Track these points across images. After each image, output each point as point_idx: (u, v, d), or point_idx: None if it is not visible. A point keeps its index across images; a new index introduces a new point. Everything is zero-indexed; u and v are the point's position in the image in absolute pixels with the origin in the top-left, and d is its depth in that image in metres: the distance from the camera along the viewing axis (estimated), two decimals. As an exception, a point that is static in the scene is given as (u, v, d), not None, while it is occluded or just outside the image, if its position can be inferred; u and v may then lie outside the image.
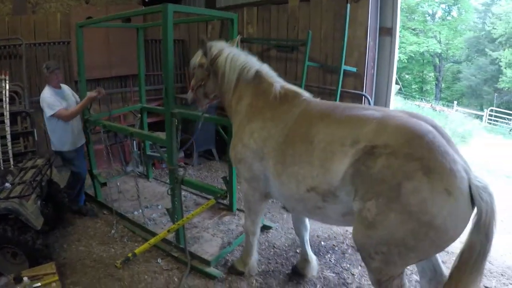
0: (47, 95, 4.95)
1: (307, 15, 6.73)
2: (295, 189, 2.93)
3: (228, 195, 5.00)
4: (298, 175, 2.88)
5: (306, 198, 2.88)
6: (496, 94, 29.91)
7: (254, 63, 3.62)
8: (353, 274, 4.22)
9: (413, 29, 32.63)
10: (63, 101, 5.11)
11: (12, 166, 5.43)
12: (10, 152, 5.84)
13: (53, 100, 4.93)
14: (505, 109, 25.27)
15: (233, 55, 3.59)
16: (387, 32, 6.12)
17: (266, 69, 3.64)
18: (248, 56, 3.66)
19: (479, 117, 25.25)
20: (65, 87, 5.40)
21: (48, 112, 4.93)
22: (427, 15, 34.35)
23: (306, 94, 3.38)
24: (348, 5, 5.84)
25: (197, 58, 3.81)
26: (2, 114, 5.99)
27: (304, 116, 3.06)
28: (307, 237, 4.06)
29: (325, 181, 2.68)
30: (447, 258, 4.47)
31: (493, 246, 2.43)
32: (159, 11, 3.82)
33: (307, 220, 4.00)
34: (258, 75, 3.55)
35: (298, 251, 4.65)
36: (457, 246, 4.50)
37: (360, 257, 2.85)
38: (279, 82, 3.52)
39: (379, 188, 2.38)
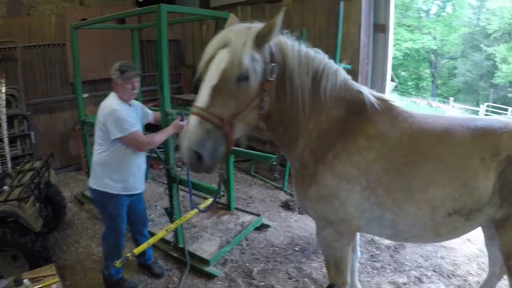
0: (118, 107, 3.46)
1: (301, 13, 6.75)
2: (429, 216, 2.48)
3: (225, 194, 5.02)
4: (434, 200, 2.43)
5: (445, 222, 2.51)
6: (492, 89, 29.94)
7: (331, 61, 2.57)
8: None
9: (408, 26, 32.61)
10: (137, 122, 3.68)
11: (10, 169, 5.43)
12: (8, 155, 5.83)
13: (127, 116, 3.46)
14: (501, 104, 25.31)
15: (303, 49, 2.44)
16: (381, 29, 6.15)
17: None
18: (313, 49, 2.53)
19: (476, 113, 25.26)
20: (136, 103, 3.89)
21: (115, 133, 3.39)
22: (421, 12, 34.36)
23: (396, 102, 2.76)
24: (342, 2, 5.85)
25: (248, 50, 2.09)
26: (-1, 118, 5.97)
27: (419, 133, 2.53)
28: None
29: (472, 201, 2.43)
30: (445, 254, 4.53)
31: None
32: (153, 12, 3.82)
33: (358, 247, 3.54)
34: (345, 79, 2.60)
35: (296, 249, 4.68)
36: (455, 241, 4.60)
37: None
38: (362, 87, 2.66)
39: None
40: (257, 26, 2.19)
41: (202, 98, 2.08)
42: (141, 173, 3.83)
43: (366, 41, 6.06)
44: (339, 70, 2.54)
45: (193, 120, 2.06)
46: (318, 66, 2.44)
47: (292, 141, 2.59)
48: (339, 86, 2.52)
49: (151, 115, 4.07)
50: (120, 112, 3.40)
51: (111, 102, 3.50)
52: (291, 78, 2.36)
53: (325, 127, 2.53)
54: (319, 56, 2.48)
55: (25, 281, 2.95)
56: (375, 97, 2.58)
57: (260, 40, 2.13)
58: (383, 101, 2.60)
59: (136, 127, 3.52)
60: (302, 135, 2.56)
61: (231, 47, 2.07)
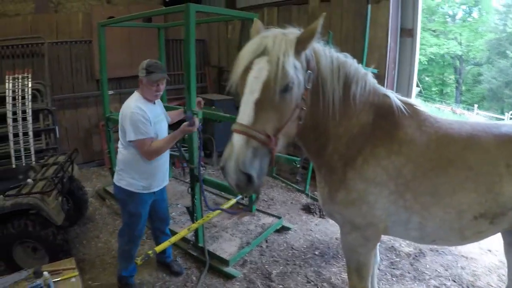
0: (137, 109, 3.38)
1: (328, 15, 6.65)
2: (456, 220, 2.50)
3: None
4: (461, 204, 2.44)
5: (471, 226, 2.53)
6: (517, 97, 29.33)
7: (360, 66, 2.55)
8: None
9: (433, 31, 32.17)
10: (156, 124, 3.56)
11: (34, 163, 5.52)
12: (32, 148, 5.91)
13: (144, 121, 3.38)
14: (526, 113, 24.78)
15: (334, 54, 2.38)
16: (408, 33, 6.06)
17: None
18: (342, 53, 2.47)
19: (500, 121, 24.81)
20: (159, 103, 3.82)
21: (129, 135, 3.38)
22: (447, 17, 33.84)
23: (422, 106, 2.73)
24: (369, 5, 5.78)
25: (290, 59, 1.99)
26: (25, 111, 6.06)
27: (445, 138, 2.53)
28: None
29: (497, 205, 2.46)
30: (465, 264, 4.44)
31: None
32: (181, 11, 3.83)
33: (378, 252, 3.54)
34: (373, 83, 2.58)
35: (316, 253, 4.63)
36: (476, 251, 4.50)
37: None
38: (388, 91, 2.65)
39: None
40: (292, 31, 2.12)
41: (245, 114, 1.96)
42: (163, 171, 3.79)
43: (393, 45, 5.97)
44: (367, 75, 2.53)
45: (238, 139, 1.92)
46: (349, 71, 2.40)
47: (321, 148, 2.56)
48: (368, 91, 2.51)
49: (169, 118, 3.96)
50: (137, 116, 3.34)
51: (131, 103, 3.45)
52: (323, 85, 2.31)
53: (355, 132, 2.51)
54: (349, 61, 2.44)
55: (45, 273, 2.97)
56: (401, 101, 2.58)
57: (300, 46, 2.05)
58: (409, 106, 2.60)
59: (150, 134, 3.41)
60: (331, 141, 2.53)
61: (271, 56, 1.96)
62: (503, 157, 2.42)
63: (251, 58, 2.01)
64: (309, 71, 2.14)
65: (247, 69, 2.00)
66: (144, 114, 3.38)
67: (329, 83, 2.31)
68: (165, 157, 3.76)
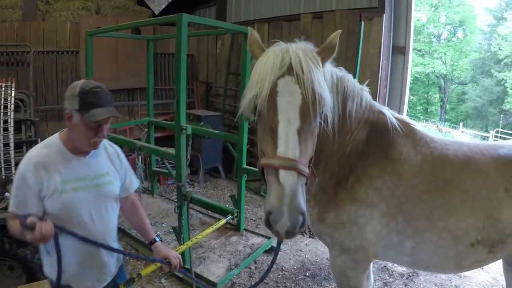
0: (28, 167, 2.06)
1: (320, 32, 6.65)
2: (452, 246, 2.38)
3: (237, 215, 4.86)
4: (456, 230, 2.33)
5: (468, 253, 2.41)
6: (501, 115, 29.82)
7: (355, 81, 2.43)
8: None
9: (419, 50, 32.70)
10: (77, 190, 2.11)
11: (13, 175, 5.30)
12: (13, 160, 5.70)
13: (22, 189, 2.05)
14: (510, 131, 25.17)
15: (332, 68, 2.26)
16: (400, 51, 6.07)
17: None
18: (338, 68, 2.35)
19: (485, 139, 25.14)
20: (101, 152, 2.27)
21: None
22: (432, 36, 34.47)
23: (416, 124, 2.63)
24: (362, 22, 5.76)
25: (320, 87, 1.83)
26: (7, 122, 5.87)
27: (441, 159, 2.43)
28: None
29: (496, 232, 2.35)
30: (459, 283, 4.39)
31: None
32: (173, 21, 3.72)
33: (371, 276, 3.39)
34: (368, 99, 2.47)
35: (307, 274, 4.49)
36: (471, 270, 4.44)
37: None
38: (383, 107, 2.55)
39: None
40: (308, 47, 1.95)
41: (290, 146, 1.73)
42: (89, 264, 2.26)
43: (385, 63, 5.96)
44: (363, 90, 2.44)
45: (289, 177, 1.68)
46: (346, 86, 2.30)
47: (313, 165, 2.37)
48: (364, 107, 2.42)
49: (134, 184, 2.52)
50: (18, 180, 2.07)
51: (32, 153, 2.12)
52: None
53: (348, 150, 2.40)
54: (346, 76, 2.35)
55: (20, 294, 2.81)
56: (396, 118, 2.49)
57: (323, 63, 1.93)
58: (405, 124, 2.51)
59: (31, 208, 2.00)
60: (323, 159, 2.39)
61: (302, 75, 1.78)
62: (502, 181, 2.35)
63: (275, 76, 1.80)
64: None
65: (273, 91, 1.79)
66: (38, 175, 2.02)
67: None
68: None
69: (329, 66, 2.18)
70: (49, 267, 2.22)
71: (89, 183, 2.15)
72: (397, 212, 2.35)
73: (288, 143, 1.73)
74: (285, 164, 1.69)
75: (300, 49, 1.87)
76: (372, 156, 2.39)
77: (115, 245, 2.37)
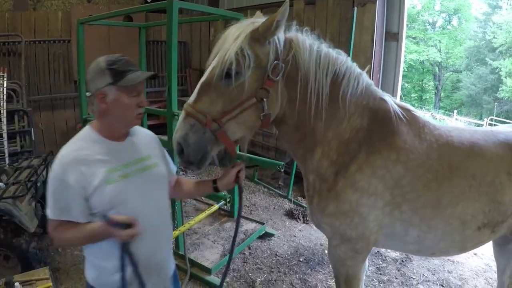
0: (62, 167, 1.83)
1: (312, 18, 6.62)
2: (459, 231, 2.40)
3: (230, 201, 4.87)
4: (464, 215, 2.35)
5: (474, 236, 2.46)
6: (496, 103, 29.93)
7: (354, 64, 2.36)
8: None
9: (414, 38, 32.65)
10: (123, 179, 1.91)
11: (7, 166, 5.28)
12: (6, 151, 5.69)
13: (61, 189, 1.82)
14: (505, 119, 25.30)
15: (323, 48, 2.23)
16: (393, 37, 6.03)
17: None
18: (335, 50, 2.30)
19: (479, 126, 25.29)
20: (138, 132, 2.13)
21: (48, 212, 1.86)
22: (427, 24, 34.43)
23: (418, 111, 2.56)
24: (355, 8, 5.73)
25: (237, 45, 1.96)
26: (-1, 112, 5.85)
27: (447, 147, 2.40)
28: None
29: (500, 214, 2.43)
30: (452, 268, 4.43)
31: None
32: (164, 7, 3.70)
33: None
34: (368, 84, 2.37)
35: (301, 259, 4.52)
36: (462, 255, 4.48)
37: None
38: (384, 94, 2.45)
39: None
40: (260, 20, 2.06)
41: (193, 94, 2.07)
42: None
43: (378, 49, 5.93)
44: (362, 75, 2.33)
45: (181, 115, 2.06)
46: (340, 68, 2.23)
47: (308, 151, 2.37)
48: (361, 92, 2.31)
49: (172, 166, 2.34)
50: (54, 182, 1.84)
51: (66, 150, 1.87)
52: (305, 80, 2.17)
53: (347, 136, 2.32)
54: (341, 58, 2.27)
55: (17, 284, 2.83)
56: (398, 106, 2.41)
57: (259, 35, 2.00)
58: (407, 111, 2.42)
59: (78, 208, 1.81)
60: (320, 144, 2.34)
61: (226, 43, 2.01)
62: (504, 166, 2.40)
63: (218, 46, 2.06)
64: (276, 61, 2.05)
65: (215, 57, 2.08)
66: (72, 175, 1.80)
67: (312, 79, 2.17)
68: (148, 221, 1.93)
69: (315, 46, 2.19)
70: (94, 273, 2.11)
71: (136, 167, 1.98)
72: (402, 201, 2.31)
73: (194, 92, 2.08)
74: (184, 106, 2.05)
75: (245, 22, 2.09)
76: (375, 144, 2.32)
77: (170, 243, 2.29)
